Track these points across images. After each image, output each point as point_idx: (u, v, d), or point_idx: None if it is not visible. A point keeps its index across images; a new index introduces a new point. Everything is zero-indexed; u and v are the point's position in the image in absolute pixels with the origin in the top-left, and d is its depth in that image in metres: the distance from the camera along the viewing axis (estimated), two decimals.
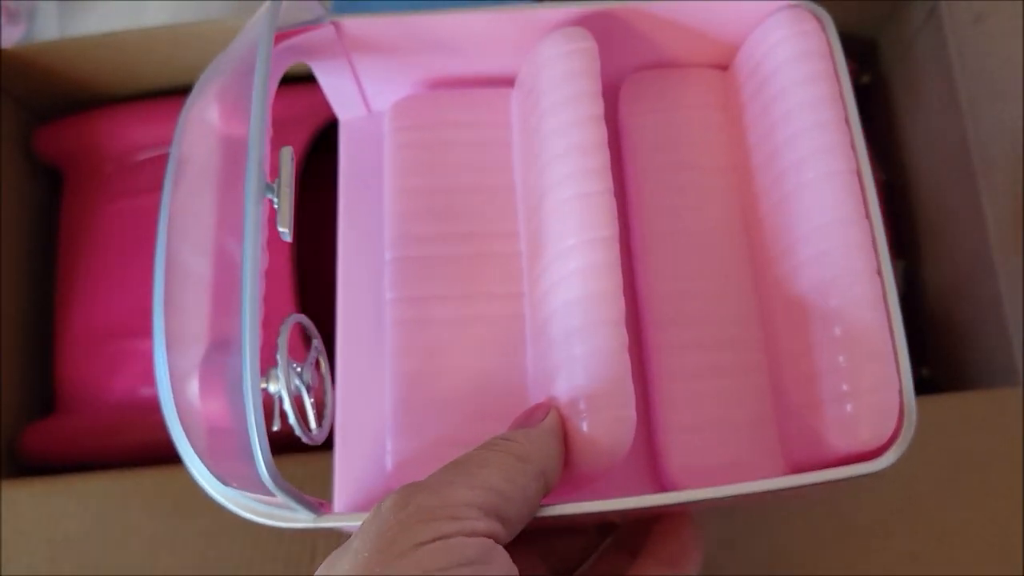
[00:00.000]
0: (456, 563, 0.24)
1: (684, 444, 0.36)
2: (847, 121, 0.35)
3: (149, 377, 0.53)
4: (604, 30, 0.38)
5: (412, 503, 0.25)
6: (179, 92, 0.62)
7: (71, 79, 0.59)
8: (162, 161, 0.58)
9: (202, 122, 0.35)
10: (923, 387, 0.61)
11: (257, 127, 0.30)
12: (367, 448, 0.38)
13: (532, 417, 0.32)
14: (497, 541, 0.26)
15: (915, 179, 0.60)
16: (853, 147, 0.35)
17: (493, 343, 0.38)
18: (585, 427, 0.32)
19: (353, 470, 0.38)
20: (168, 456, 0.52)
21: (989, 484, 0.43)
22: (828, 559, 0.43)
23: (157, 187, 0.57)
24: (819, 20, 0.38)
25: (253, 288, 0.28)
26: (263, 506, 0.31)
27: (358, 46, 0.39)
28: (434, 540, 0.24)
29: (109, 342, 0.56)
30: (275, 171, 0.31)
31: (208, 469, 0.30)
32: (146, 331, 0.54)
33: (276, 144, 0.53)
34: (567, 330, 0.33)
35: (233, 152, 0.34)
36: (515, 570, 0.26)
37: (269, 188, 0.30)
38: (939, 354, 0.59)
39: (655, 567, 0.34)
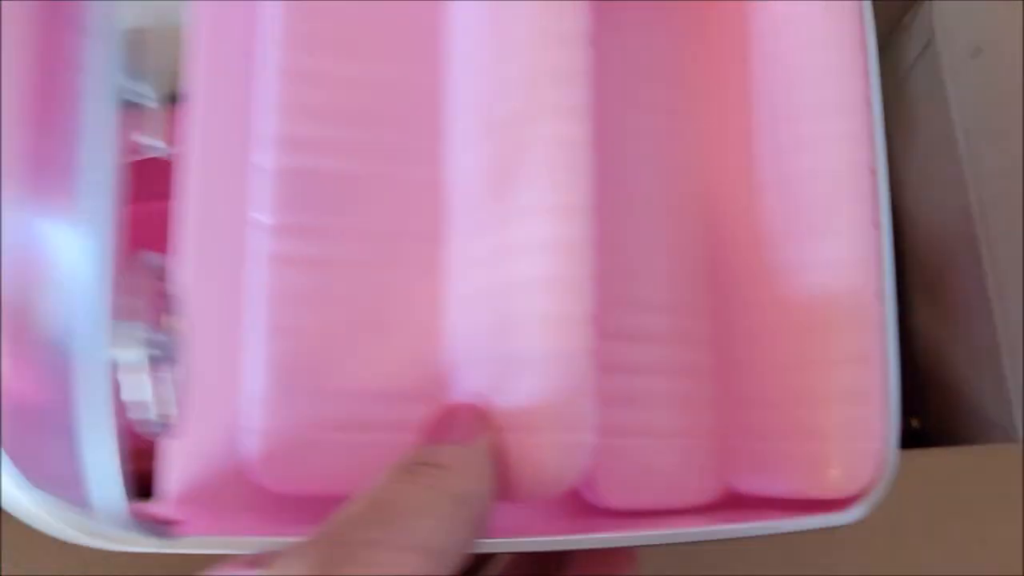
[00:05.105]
0: None
1: (612, 448, 0.30)
2: (869, 103, 0.31)
3: None
4: None
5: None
6: None
7: None
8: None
9: None
10: (912, 439, 0.57)
11: None
12: (214, 423, 0.28)
13: (457, 426, 0.26)
14: None
15: (908, 222, 0.58)
16: (872, 139, 0.30)
17: (405, 300, 0.29)
18: (526, 447, 0.25)
19: (191, 452, 0.28)
20: None
21: (987, 545, 0.40)
22: None
23: None
24: None
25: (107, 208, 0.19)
26: (83, 519, 0.21)
27: None
28: None
29: None
30: None
31: (11, 465, 0.20)
32: None
33: None
34: (519, 317, 0.26)
35: None
36: None
37: None
38: (930, 406, 0.56)
39: None
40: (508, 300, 0.27)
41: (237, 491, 0.28)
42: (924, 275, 0.56)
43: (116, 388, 0.20)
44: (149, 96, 0.22)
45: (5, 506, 0.21)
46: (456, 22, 0.31)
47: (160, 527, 0.23)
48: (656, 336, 0.32)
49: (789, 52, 0.31)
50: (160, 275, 0.22)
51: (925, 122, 0.54)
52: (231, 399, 0.28)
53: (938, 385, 0.55)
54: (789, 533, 0.28)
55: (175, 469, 0.28)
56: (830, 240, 0.29)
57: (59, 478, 0.22)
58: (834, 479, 0.28)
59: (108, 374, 0.19)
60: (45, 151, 0.22)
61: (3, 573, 0.38)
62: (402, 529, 0.21)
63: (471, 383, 0.28)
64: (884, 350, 0.29)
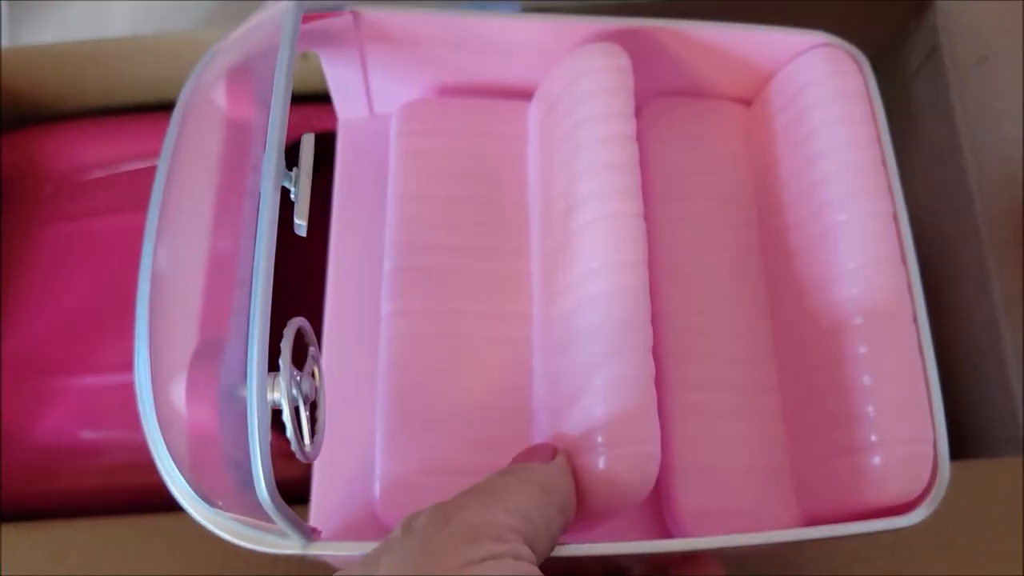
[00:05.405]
0: None
1: (693, 486, 0.34)
2: (884, 164, 0.35)
3: (80, 419, 0.49)
4: (634, 49, 0.37)
5: (455, 520, 0.24)
6: (128, 110, 0.58)
7: (11, 92, 0.55)
8: (106, 183, 0.55)
9: (206, 103, 0.32)
10: None
11: (278, 108, 0.27)
12: (351, 471, 0.35)
13: (537, 453, 0.30)
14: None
15: (913, 232, 0.59)
16: (890, 190, 0.34)
17: (497, 366, 0.36)
18: (602, 463, 0.30)
19: (333, 493, 0.35)
20: (103, 506, 0.48)
21: (990, 558, 0.41)
22: None
23: (101, 211, 0.54)
24: (856, 61, 0.37)
25: (267, 283, 0.25)
26: (246, 528, 0.27)
27: (374, 38, 0.37)
28: (485, 559, 0.23)
29: (37, 378, 0.50)
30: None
31: (190, 484, 0.26)
32: (80, 367, 0.50)
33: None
34: (587, 357, 0.31)
35: (238, 138, 0.32)
36: None
37: (287, 176, 0.27)
38: None
39: None
40: (576, 346, 0.32)
41: (365, 527, 0.34)
42: (929, 288, 0.55)
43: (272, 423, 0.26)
44: (296, 189, 0.29)
45: (194, 517, 0.27)
46: (529, 148, 0.39)
47: (310, 532, 0.28)
48: (728, 384, 0.36)
49: (813, 133, 0.36)
50: (305, 336, 0.28)
51: (929, 129, 0.53)
52: (366, 451, 0.35)
53: (944, 398, 0.53)
54: (856, 536, 0.31)
55: (318, 506, 0.34)
56: (868, 278, 0.33)
57: (229, 495, 0.28)
58: (896, 486, 0.31)
59: (267, 414, 0.25)
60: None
61: (3, 573, 0.41)
62: (503, 499, 0.25)
63: (551, 421, 0.33)
64: (925, 366, 0.32)
